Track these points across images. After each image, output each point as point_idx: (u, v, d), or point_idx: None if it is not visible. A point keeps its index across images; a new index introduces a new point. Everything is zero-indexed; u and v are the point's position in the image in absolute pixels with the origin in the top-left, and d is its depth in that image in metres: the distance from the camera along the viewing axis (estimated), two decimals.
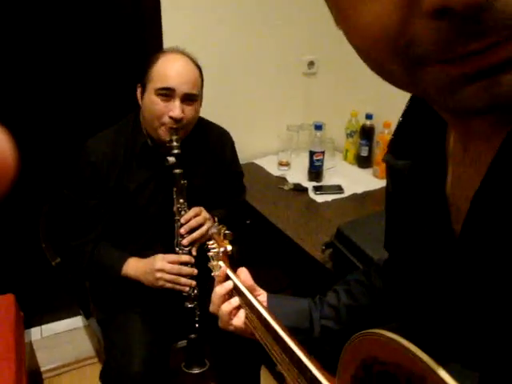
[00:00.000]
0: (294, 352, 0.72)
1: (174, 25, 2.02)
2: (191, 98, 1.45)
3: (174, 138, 1.43)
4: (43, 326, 2.26)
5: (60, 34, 1.88)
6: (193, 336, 1.49)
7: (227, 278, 0.96)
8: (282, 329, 0.78)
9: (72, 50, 1.92)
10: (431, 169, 0.54)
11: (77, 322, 2.30)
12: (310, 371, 0.67)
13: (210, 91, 2.16)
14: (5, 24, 1.78)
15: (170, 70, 1.42)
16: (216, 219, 1.54)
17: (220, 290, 0.94)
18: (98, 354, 2.20)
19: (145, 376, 1.41)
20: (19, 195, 1.95)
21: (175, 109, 1.41)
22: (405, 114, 0.60)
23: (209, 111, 1.80)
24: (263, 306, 0.85)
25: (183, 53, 1.49)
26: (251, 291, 0.92)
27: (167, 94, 1.41)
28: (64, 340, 2.23)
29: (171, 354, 1.65)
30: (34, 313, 2.20)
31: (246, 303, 0.89)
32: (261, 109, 2.34)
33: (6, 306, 1.83)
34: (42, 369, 2.13)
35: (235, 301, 0.92)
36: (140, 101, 1.50)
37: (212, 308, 0.95)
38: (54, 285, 2.10)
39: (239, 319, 0.92)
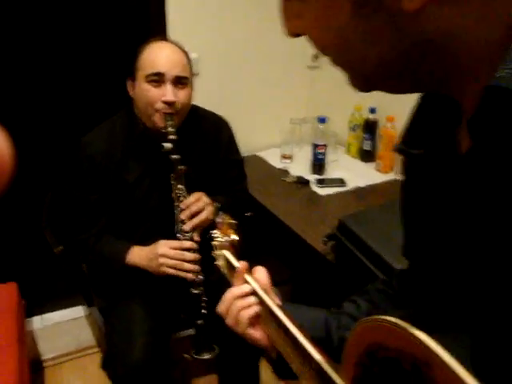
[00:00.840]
0: (298, 342, 0.71)
1: (178, 18, 2.02)
2: (182, 82, 1.46)
3: (170, 123, 1.43)
4: (44, 315, 2.26)
5: (59, 29, 1.87)
6: (200, 322, 1.48)
7: (230, 266, 0.94)
8: (299, 329, 0.74)
9: (72, 46, 1.91)
10: (444, 157, 0.54)
11: (78, 311, 2.30)
12: (329, 375, 0.64)
13: (214, 83, 2.17)
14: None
15: (157, 56, 1.44)
16: (216, 204, 1.55)
17: (237, 291, 0.86)
18: (98, 343, 2.21)
19: (146, 363, 1.42)
20: (22, 184, 1.96)
21: (167, 93, 1.42)
22: (417, 106, 0.59)
23: (212, 103, 1.81)
24: (280, 308, 0.80)
25: (169, 40, 1.52)
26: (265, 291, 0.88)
27: (158, 79, 1.42)
28: (65, 329, 2.24)
29: (173, 343, 1.65)
30: (36, 302, 2.21)
31: (263, 307, 0.83)
32: (264, 101, 2.33)
33: (8, 294, 1.84)
34: (43, 357, 2.14)
35: (251, 300, 0.85)
36: (131, 93, 1.51)
37: (221, 307, 0.88)
38: (55, 274, 2.11)
39: (250, 312, 0.85)
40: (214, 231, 1.06)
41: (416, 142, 0.59)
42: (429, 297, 0.64)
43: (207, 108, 1.72)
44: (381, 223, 1.42)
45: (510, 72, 0.39)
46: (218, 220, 1.06)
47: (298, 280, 2.13)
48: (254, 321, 0.85)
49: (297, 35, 0.50)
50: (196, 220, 1.48)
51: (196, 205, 1.48)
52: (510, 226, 0.43)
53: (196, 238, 1.49)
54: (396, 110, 2.07)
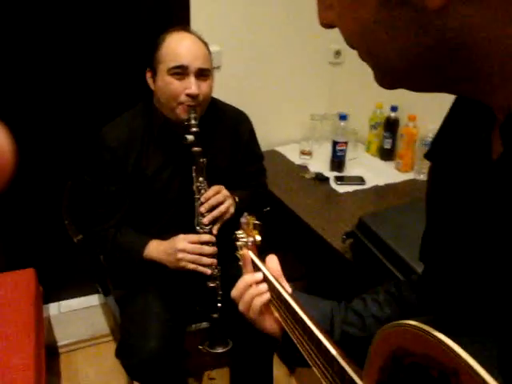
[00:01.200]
0: (321, 342, 0.71)
1: (201, 11, 2.01)
2: (205, 73, 1.45)
3: (193, 116, 1.43)
4: (61, 302, 2.29)
5: (82, 18, 1.88)
6: (215, 315, 1.49)
7: (254, 265, 0.94)
8: (310, 319, 0.77)
9: (96, 35, 1.92)
10: (475, 163, 0.53)
11: (94, 299, 2.33)
12: (338, 362, 0.66)
13: (236, 77, 2.17)
14: (20, 7, 1.78)
15: (179, 48, 1.42)
16: (236, 198, 1.55)
17: (249, 278, 0.91)
18: (112, 332, 2.23)
19: (160, 354, 1.43)
20: (43, 172, 1.99)
21: (191, 85, 1.41)
22: (450, 111, 0.58)
23: (233, 97, 1.81)
24: (291, 295, 0.83)
25: (188, 30, 1.50)
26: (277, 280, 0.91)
27: (181, 72, 1.41)
28: (81, 317, 2.27)
29: (187, 335, 1.66)
30: (53, 289, 2.24)
31: (274, 292, 0.87)
32: (285, 97, 2.32)
33: (26, 280, 1.86)
34: (59, 344, 2.17)
35: (264, 287, 0.90)
36: (152, 85, 1.50)
37: (234, 293, 0.92)
38: (73, 262, 2.13)
39: (263, 299, 0.89)
40: (239, 231, 1.06)
41: (448, 147, 0.58)
42: (444, 302, 0.63)
43: (228, 101, 1.71)
44: (401, 223, 1.41)
45: None
46: (243, 220, 1.06)
47: (314, 276, 2.13)
48: (265, 308, 0.89)
49: (329, 26, 0.50)
50: (215, 213, 1.48)
51: (216, 198, 1.49)
52: None
53: (215, 231, 1.49)
54: (418, 109, 2.06)
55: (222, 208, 1.49)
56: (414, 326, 0.47)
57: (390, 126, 2.15)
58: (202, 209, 1.47)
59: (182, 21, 1.99)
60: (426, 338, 0.45)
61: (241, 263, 1.05)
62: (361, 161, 2.20)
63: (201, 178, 1.47)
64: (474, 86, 0.44)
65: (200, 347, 1.55)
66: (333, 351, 0.68)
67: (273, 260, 0.94)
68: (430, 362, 0.46)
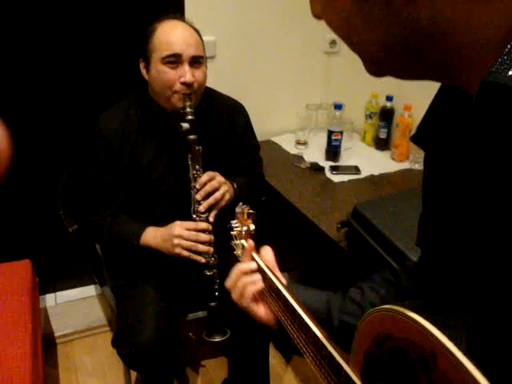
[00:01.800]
0: (310, 329, 0.72)
1: (195, 1, 1.99)
2: (198, 61, 1.45)
3: (188, 104, 1.43)
4: (57, 293, 2.30)
5: (77, 8, 1.86)
6: (213, 304, 1.49)
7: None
8: (302, 308, 0.77)
9: (90, 24, 1.91)
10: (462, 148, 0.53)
11: (90, 290, 2.34)
12: (326, 348, 0.67)
13: (231, 66, 2.16)
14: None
15: (172, 36, 1.42)
16: (234, 184, 1.55)
17: (243, 267, 0.92)
18: (109, 322, 2.24)
19: (156, 344, 1.43)
20: (37, 163, 1.98)
21: (186, 74, 1.41)
22: (435, 97, 0.59)
23: (228, 86, 1.80)
24: (284, 286, 0.84)
25: (179, 18, 1.48)
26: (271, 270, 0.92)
27: (174, 60, 1.41)
28: (77, 308, 2.28)
29: (183, 324, 1.67)
30: (49, 280, 2.24)
31: (268, 282, 0.88)
32: (281, 86, 2.32)
33: (22, 272, 1.86)
34: (56, 334, 2.17)
35: (257, 276, 0.91)
36: (145, 75, 1.50)
37: (228, 282, 0.93)
38: (69, 253, 2.13)
39: (255, 287, 0.90)
40: (234, 221, 1.07)
41: (434, 131, 0.58)
42: (440, 287, 0.64)
43: (223, 91, 1.71)
44: (395, 211, 1.41)
45: (506, 67, 0.38)
46: (238, 210, 1.07)
47: (310, 266, 2.14)
48: (258, 297, 0.91)
49: (318, 17, 0.51)
50: (211, 199, 1.48)
51: (211, 184, 1.48)
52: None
53: (211, 218, 1.49)
54: (413, 98, 2.06)
55: (217, 195, 1.49)
56: (395, 310, 0.48)
57: (386, 115, 2.15)
58: (198, 196, 1.46)
59: (176, 10, 1.97)
60: (406, 322, 0.46)
61: (235, 252, 1.06)
62: (356, 150, 2.20)
63: (197, 166, 1.47)
64: (452, 73, 0.45)
65: (191, 335, 1.54)
66: (322, 338, 0.69)
67: (267, 251, 0.95)
68: (409, 346, 0.47)
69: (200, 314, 1.70)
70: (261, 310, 0.91)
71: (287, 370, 2.05)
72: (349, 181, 1.93)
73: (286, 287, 0.83)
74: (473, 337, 0.44)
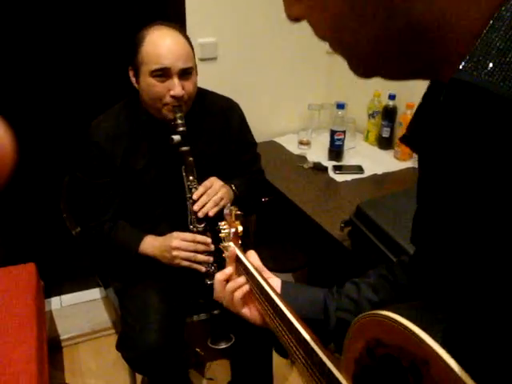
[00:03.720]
0: (300, 334, 0.70)
1: (196, 2, 2.00)
2: (188, 72, 1.42)
3: (178, 115, 1.41)
4: (63, 296, 2.30)
5: (72, 13, 1.87)
6: (216, 312, 1.48)
7: (237, 259, 0.94)
8: (290, 311, 0.75)
9: (91, 29, 1.92)
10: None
11: (95, 293, 2.34)
12: (317, 354, 0.65)
13: (232, 68, 2.16)
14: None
15: (160, 49, 1.38)
16: (233, 187, 1.54)
17: (225, 273, 0.93)
18: (114, 325, 2.24)
19: (160, 347, 1.43)
20: (41, 166, 1.99)
21: (175, 87, 1.39)
22: (424, 98, 0.59)
23: (230, 88, 1.80)
24: (272, 288, 0.82)
25: (168, 25, 1.43)
26: (259, 273, 0.91)
27: (163, 74, 1.38)
28: (82, 311, 2.28)
29: (187, 327, 1.67)
30: (55, 283, 2.25)
31: (256, 285, 0.86)
32: (283, 87, 2.32)
33: (27, 275, 1.87)
34: (61, 337, 2.18)
35: (242, 279, 0.91)
36: (135, 84, 1.47)
37: (215, 294, 0.94)
38: (74, 256, 2.14)
39: (242, 290, 0.90)
40: (222, 223, 1.06)
41: (420, 132, 0.58)
42: (432, 284, 0.63)
43: (224, 93, 1.70)
44: (398, 210, 1.40)
45: (474, 65, 0.37)
46: (226, 212, 1.06)
47: (314, 266, 2.13)
48: (248, 300, 0.90)
49: (296, 20, 0.50)
50: (210, 204, 1.47)
51: (207, 194, 1.47)
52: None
53: (211, 213, 1.47)
54: (416, 97, 2.04)
55: (215, 198, 1.47)
56: (385, 316, 0.47)
57: (388, 114, 2.14)
58: (195, 207, 1.45)
59: (176, 12, 1.98)
60: (397, 328, 0.45)
61: (224, 255, 1.04)
62: (359, 150, 2.20)
63: (191, 177, 1.46)
64: (440, 70, 0.44)
65: (199, 351, 1.53)
66: (312, 343, 0.67)
67: (252, 255, 0.95)
68: (401, 353, 0.46)
69: (203, 316, 1.70)
70: (253, 313, 0.91)
71: (292, 371, 2.04)
72: (352, 180, 1.92)
73: (273, 289, 0.82)
74: (450, 337, 0.44)
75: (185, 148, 1.44)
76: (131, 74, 1.48)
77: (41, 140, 1.97)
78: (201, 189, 1.47)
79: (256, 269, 0.88)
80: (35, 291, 1.81)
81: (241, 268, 0.93)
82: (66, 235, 1.70)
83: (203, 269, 1.47)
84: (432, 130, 0.53)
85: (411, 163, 2.06)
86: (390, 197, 1.53)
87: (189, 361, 2.06)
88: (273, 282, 0.92)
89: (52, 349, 2.06)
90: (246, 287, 0.89)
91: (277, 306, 0.78)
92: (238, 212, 1.06)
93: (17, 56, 1.84)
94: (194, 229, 1.48)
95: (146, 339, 1.43)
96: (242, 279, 0.90)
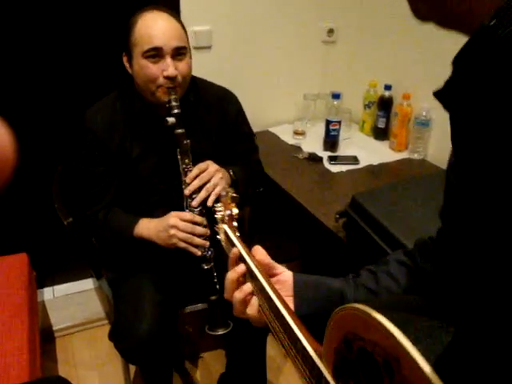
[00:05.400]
0: (288, 324, 0.68)
1: None
2: (181, 52, 1.41)
3: (173, 97, 1.40)
4: (55, 287, 2.29)
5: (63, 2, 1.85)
6: (213, 297, 1.47)
7: (241, 257, 0.89)
8: (287, 309, 0.72)
9: (82, 18, 1.89)
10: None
11: (88, 283, 2.33)
12: (300, 341, 0.64)
13: (227, 57, 2.14)
14: None
15: (152, 29, 1.38)
16: (230, 171, 1.52)
17: (232, 275, 0.85)
18: (107, 315, 2.23)
19: (154, 336, 1.42)
20: (33, 156, 1.96)
21: (168, 67, 1.38)
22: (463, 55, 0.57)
23: (225, 77, 1.78)
24: (273, 289, 0.77)
25: (160, 9, 1.43)
26: (270, 269, 0.87)
27: (156, 54, 1.38)
28: (75, 301, 2.27)
29: (182, 317, 1.66)
30: (47, 273, 2.24)
31: (258, 286, 0.81)
32: (278, 77, 2.29)
33: (19, 265, 1.85)
34: (54, 328, 2.17)
35: (248, 287, 0.83)
36: (129, 69, 1.46)
37: (226, 295, 0.87)
38: (66, 246, 2.12)
39: (253, 307, 0.83)
40: (218, 204, 1.04)
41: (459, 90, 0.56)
42: (458, 263, 0.61)
43: (219, 82, 1.68)
44: (393, 201, 1.40)
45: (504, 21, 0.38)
46: (222, 193, 1.05)
47: (308, 257, 2.13)
48: (250, 298, 0.84)
49: None
50: (202, 193, 1.45)
51: (200, 178, 1.45)
52: None
53: (209, 203, 1.44)
54: (412, 87, 2.04)
55: (208, 186, 1.45)
56: (361, 310, 0.47)
57: (384, 104, 2.13)
58: (187, 191, 1.44)
59: (170, 0, 1.95)
60: (372, 324, 0.45)
61: (218, 236, 1.03)
62: (354, 140, 2.19)
63: (186, 160, 1.44)
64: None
65: (187, 328, 1.52)
66: (298, 332, 0.66)
67: (259, 251, 0.88)
68: (375, 348, 0.46)
69: (199, 306, 1.69)
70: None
71: (287, 361, 2.04)
72: (347, 171, 1.91)
73: (278, 294, 0.76)
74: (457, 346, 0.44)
75: (180, 130, 1.42)
76: (125, 59, 1.47)
77: (33, 130, 1.95)
78: (195, 170, 1.45)
79: (262, 269, 0.82)
80: (27, 281, 1.79)
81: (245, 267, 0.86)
82: (59, 225, 1.68)
83: (199, 252, 1.44)
84: (472, 86, 0.51)
85: (407, 154, 2.05)
86: (385, 188, 1.52)
87: (183, 351, 2.06)
88: (283, 277, 0.88)
89: (45, 339, 2.05)
90: (255, 300, 0.82)
91: (282, 316, 0.72)
92: (234, 194, 1.05)
93: (7, 46, 1.81)
94: (190, 213, 1.46)
95: (139, 329, 1.41)
96: (248, 287, 0.83)
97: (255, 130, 1.78)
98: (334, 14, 2.26)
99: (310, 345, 0.63)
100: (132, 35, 1.40)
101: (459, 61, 0.52)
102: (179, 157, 1.45)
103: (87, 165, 1.52)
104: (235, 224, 1.01)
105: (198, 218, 1.45)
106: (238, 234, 0.96)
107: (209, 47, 2.06)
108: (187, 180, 1.44)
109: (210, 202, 1.45)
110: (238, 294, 0.83)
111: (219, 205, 1.04)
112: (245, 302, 0.83)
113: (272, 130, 2.30)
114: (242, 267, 0.85)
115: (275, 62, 2.26)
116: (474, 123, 0.51)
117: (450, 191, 0.66)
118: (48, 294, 2.27)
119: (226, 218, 1.01)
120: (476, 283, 0.54)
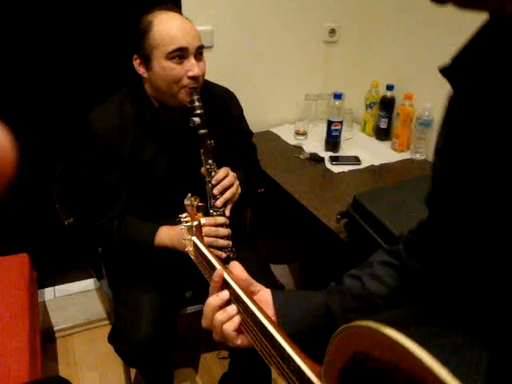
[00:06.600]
0: (274, 338, 0.65)
1: None
2: (201, 51, 1.42)
3: (196, 97, 1.40)
4: (56, 287, 2.29)
5: (65, 4, 1.84)
6: None
7: (203, 257, 0.85)
8: (276, 329, 0.68)
9: (82, 21, 1.88)
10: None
11: (89, 284, 2.32)
12: (294, 361, 0.60)
13: (229, 57, 2.13)
14: None
15: (174, 30, 1.36)
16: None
17: (215, 300, 0.78)
18: (108, 316, 2.23)
19: (153, 339, 1.41)
20: (34, 157, 1.96)
21: (193, 67, 1.37)
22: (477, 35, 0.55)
23: (226, 77, 1.78)
24: (263, 313, 0.71)
25: (172, 9, 1.42)
26: (247, 286, 0.82)
27: (181, 54, 1.36)
28: (76, 301, 2.27)
29: (181, 320, 1.65)
30: (48, 274, 2.23)
31: (241, 306, 0.76)
32: (279, 77, 2.29)
33: (20, 265, 1.85)
34: (55, 328, 2.16)
35: (232, 309, 0.77)
36: (144, 73, 1.42)
37: (204, 322, 0.80)
38: (67, 246, 2.12)
39: (234, 324, 0.77)
40: (184, 215, 0.99)
41: (471, 68, 0.54)
42: (446, 253, 0.59)
43: (220, 82, 1.68)
44: (395, 202, 1.39)
45: None
46: (186, 202, 0.99)
47: (310, 258, 2.12)
48: (240, 328, 0.78)
49: None
50: (227, 194, 1.45)
51: (228, 179, 1.46)
52: None
53: (227, 212, 1.46)
54: (415, 87, 2.03)
55: (233, 189, 1.46)
56: (377, 330, 0.44)
57: (386, 105, 2.12)
58: (215, 191, 1.43)
59: (172, 1, 1.95)
60: (391, 344, 0.42)
61: (186, 249, 1.00)
62: (356, 141, 2.18)
63: (210, 161, 1.43)
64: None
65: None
66: (291, 352, 0.62)
67: (236, 267, 0.84)
68: (394, 369, 0.43)
69: (200, 306, 1.69)
70: (246, 340, 0.77)
71: None
72: (349, 171, 1.90)
73: (265, 315, 0.71)
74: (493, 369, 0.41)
75: (203, 131, 1.42)
76: (137, 63, 1.43)
77: (33, 130, 1.95)
78: (221, 173, 1.45)
79: (242, 286, 0.77)
80: (28, 282, 1.79)
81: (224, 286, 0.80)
82: (60, 226, 1.68)
83: (224, 255, 1.42)
84: (481, 64, 0.50)
85: (408, 154, 2.04)
86: (387, 188, 1.52)
87: (184, 352, 2.06)
88: (261, 296, 0.84)
89: (45, 340, 2.05)
90: (237, 319, 0.77)
91: (271, 335, 0.67)
92: (200, 204, 1.00)
93: (8, 47, 1.81)
94: (215, 213, 1.45)
95: (138, 332, 1.40)
96: (231, 308, 0.77)
97: (256, 130, 1.78)
98: (335, 15, 2.25)
99: (307, 365, 0.58)
100: (149, 37, 1.36)
101: (475, 41, 0.51)
102: (203, 157, 1.44)
103: (97, 172, 1.45)
104: (203, 234, 0.98)
105: (221, 219, 1.44)
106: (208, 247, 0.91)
107: (210, 47, 2.05)
108: (213, 181, 1.44)
109: (227, 212, 1.46)
110: (221, 316, 0.77)
111: (184, 215, 0.99)
112: (226, 323, 0.77)
113: (273, 130, 2.29)
114: (226, 293, 0.79)
115: (277, 62, 2.25)
116: (479, 101, 0.50)
117: (436, 177, 0.65)
118: (49, 294, 2.26)
119: (194, 229, 0.96)
120: (467, 273, 0.53)
